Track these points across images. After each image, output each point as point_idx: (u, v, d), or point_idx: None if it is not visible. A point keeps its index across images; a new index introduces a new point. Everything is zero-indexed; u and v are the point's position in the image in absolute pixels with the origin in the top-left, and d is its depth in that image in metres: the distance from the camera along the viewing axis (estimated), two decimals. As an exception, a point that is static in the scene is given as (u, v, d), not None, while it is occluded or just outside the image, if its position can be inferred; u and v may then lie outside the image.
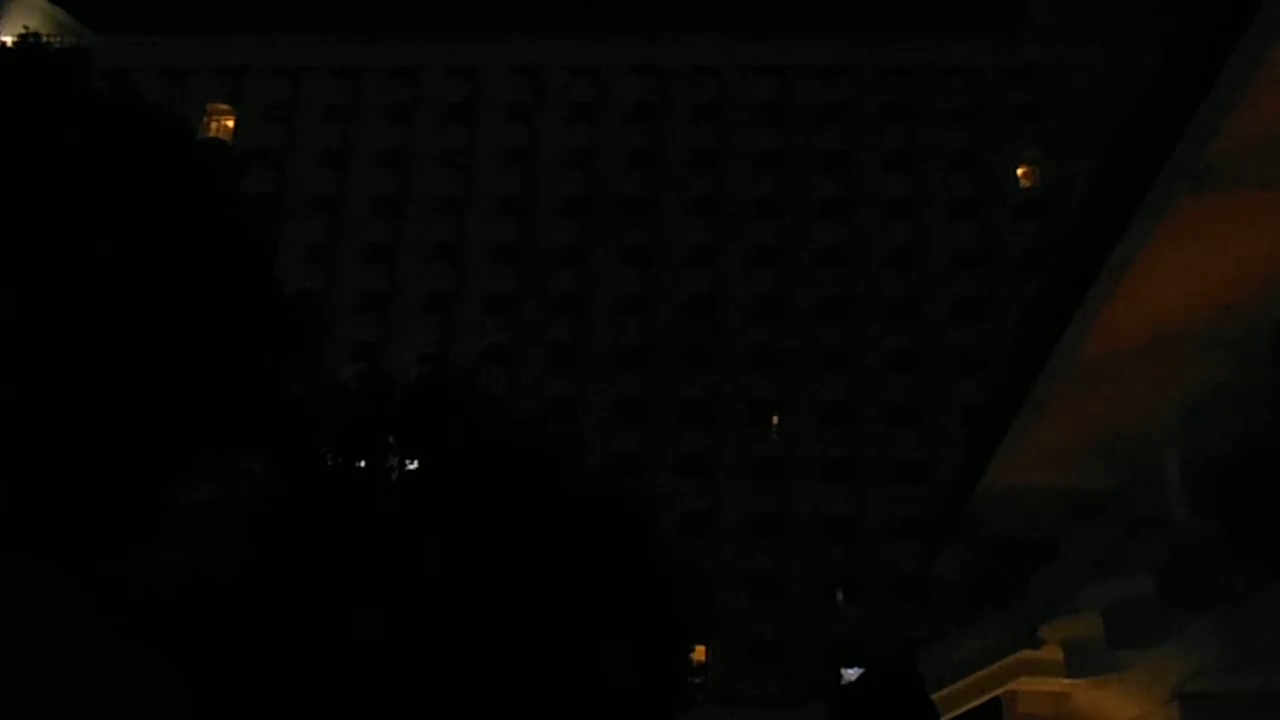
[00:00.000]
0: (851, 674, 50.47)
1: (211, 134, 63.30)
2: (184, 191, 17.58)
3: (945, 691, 21.63)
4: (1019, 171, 66.09)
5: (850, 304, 62.35)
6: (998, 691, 18.72)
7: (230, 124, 66.67)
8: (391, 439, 24.08)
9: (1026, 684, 17.83)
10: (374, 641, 20.34)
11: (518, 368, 59.67)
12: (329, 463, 23.66)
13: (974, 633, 20.61)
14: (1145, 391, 8.90)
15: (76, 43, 29.08)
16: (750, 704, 51.05)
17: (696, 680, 31.40)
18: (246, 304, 18.30)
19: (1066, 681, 17.40)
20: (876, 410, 59.62)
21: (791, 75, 67.75)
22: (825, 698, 39.98)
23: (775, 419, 60.20)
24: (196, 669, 18.65)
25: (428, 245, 63.98)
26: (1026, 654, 17.69)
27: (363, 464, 23.89)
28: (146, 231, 16.73)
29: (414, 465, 24.18)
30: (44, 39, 18.41)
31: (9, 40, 18.58)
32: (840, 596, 56.35)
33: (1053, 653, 17.03)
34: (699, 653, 40.41)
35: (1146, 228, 6.94)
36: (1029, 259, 60.36)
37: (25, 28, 21.20)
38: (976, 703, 20.23)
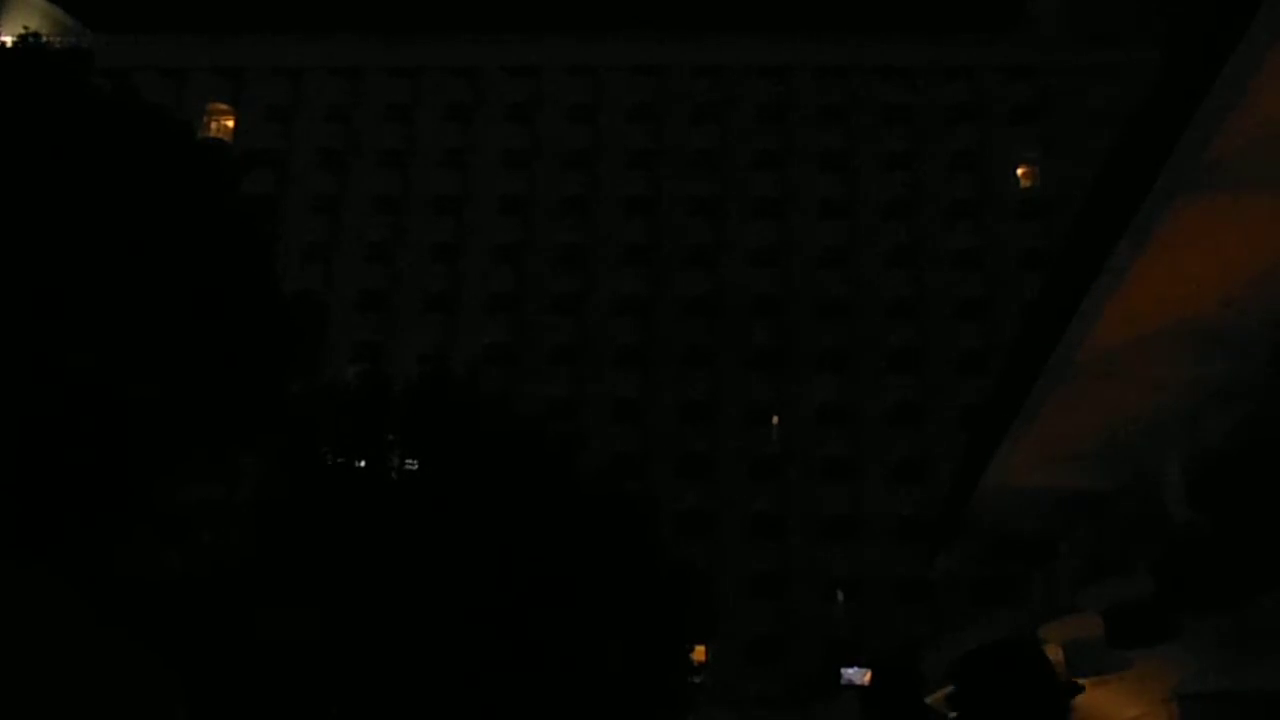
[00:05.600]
0: (853, 673, 50.47)
1: (211, 134, 63.27)
2: (184, 192, 17.58)
3: (945, 691, 21.60)
4: (1019, 171, 66.11)
5: (850, 304, 62.35)
6: (997, 691, 18.72)
7: (230, 124, 66.65)
8: (391, 439, 24.09)
9: (1026, 684, 17.82)
10: (373, 640, 20.34)
11: (518, 368, 59.67)
12: (329, 463, 23.68)
13: (974, 633, 20.61)
14: (1145, 391, 8.90)
15: (76, 43, 29.03)
16: (750, 704, 51.05)
17: (696, 680, 31.40)
18: (246, 303, 18.29)
19: (1066, 681, 17.37)
20: (876, 410, 59.63)
21: (791, 75, 67.76)
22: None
23: (775, 419, 60.21)
24: (195, 668, 18.64)
25: (428, 245, 63.98)
26: (1026, 654, 17.68)
27: (363, 464, 23.90)
28: (146, 231, 16.72)
29: (414, 465, 24.18)
30: (44, 39, 18.39)
31: (9, 40, 18.57)
32: (840, 596, 56.35)
33: (1053, 653, 17.01)
34: (699, 652, 40.41)
35: (1146, 228, 6.94)
36: (1029, 259, 60.36)
37: (25, 28, 21.15)
38: (976, 703, 20.18)
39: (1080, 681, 15.25)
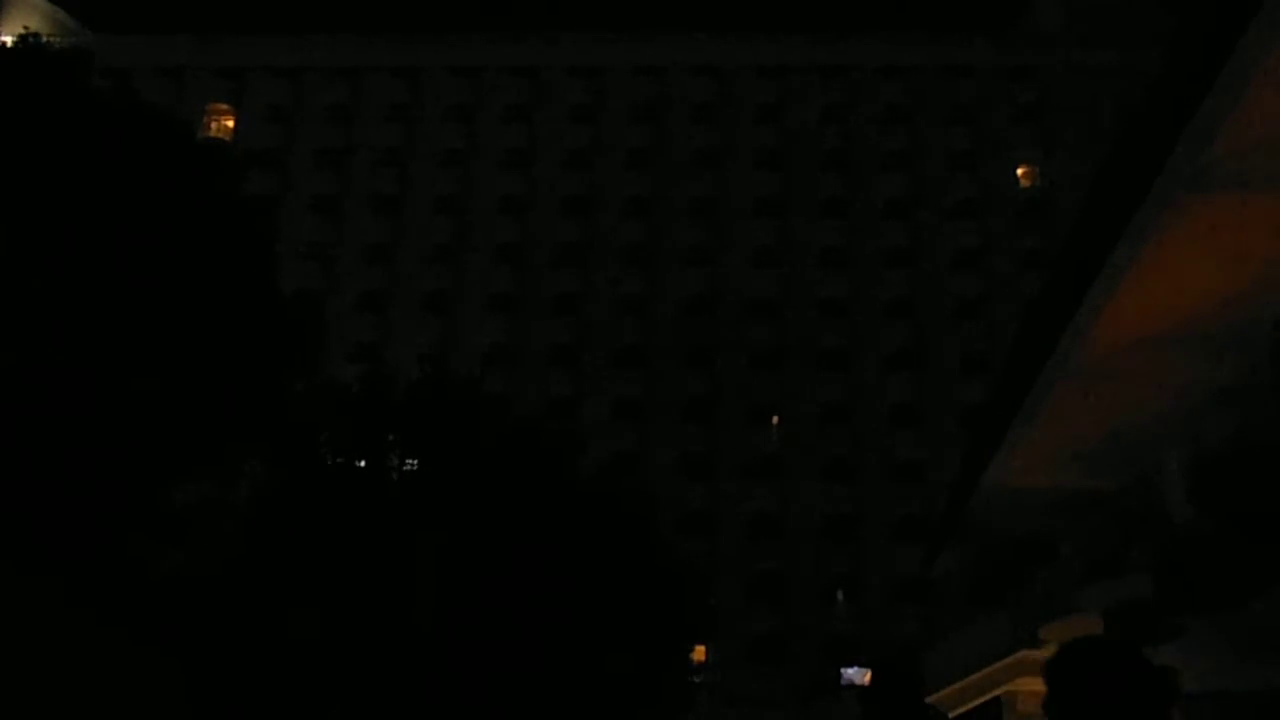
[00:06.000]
0: (853, 673, 50.51)
1: (211, 134, 63.29)
2: (184, 192, 17.58)
3: (945, 691, 21.61)
4: (1019, 171, 66.13)
5: (850, 304, 62.38)
6: (998, 691, 18.72)
7: (230, 124, 66.67)
8: (391, 439, 24.10)
9: (1026, 684, 17.80)
10: (374, 640, 20.34)
11: (518, 368, 59.68)
12: (329, 463, 23.68)
13: (974, 633, 20.59)
14: (1145, 391, 8.89)
15: (76, 43, 29.04)
16: (750, 704, 51.05)
17: (696, 680, 31.42)
18: (246, 303, 18.30)
19: (1066, 681, 17.30)
20: (876, 410, 59.65)
21: (791, 75, 67.78)
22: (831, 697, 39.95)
23: (775, 419, 60.22)
24: (195, 669, 18.65)
25: (428, 245, 64.00)
26: (1026, 654, 17.67)
27: (363, 464, 23.90)
28: (146, 232, 16.73)
29: (414, 465, 24.19)
30: (44, 39, 18.40)
31: (9, 40, 18.57)
32: (840, 596, 56.36)
33: (1052, 653, 16.96)
34: (699, 652, 40.42)
35: (1146, 228, 6.93)
36: (1029, 259, 60.38)
37: (25, 28, 21.18)
38: (976, 703, 20.23)
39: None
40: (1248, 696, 10.80)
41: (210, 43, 68.14)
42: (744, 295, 62.63)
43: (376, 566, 20.91)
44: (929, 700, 23.03)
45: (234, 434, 19.08)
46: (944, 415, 57.93)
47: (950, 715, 21.93)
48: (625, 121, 67.08)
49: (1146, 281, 7.30)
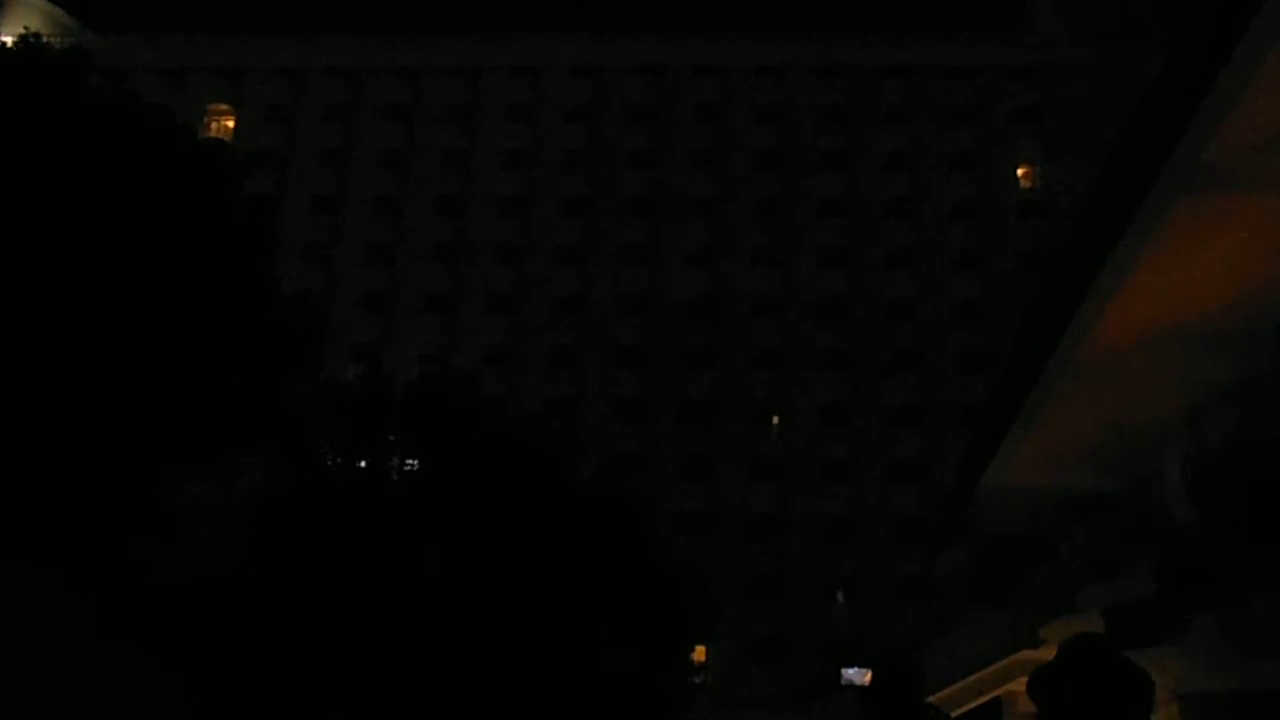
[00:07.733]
0: (853, 673, 50.52)
1: (211, 134, 63.23)
2: (185, 192, 17.59)
3: (945, 692, 21.63)
4: (1019, 171, 66.11)
5: (850, 304, 62.37)
6: (998, 691, 18.74)
7: (230, 124, 66.66)
8: (392, 439, 24.11)
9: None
10: (373, 641, 20.34)
11: (518, 368, 59.69)
12: (329, 463, 23.69)
13: (974, 633, 20.61)
14: (1145, 391, 8.88)
15: (76, 43, 29.03)
16: (750, 704, 51.04)
17: (696, 680, 31.42)
18: (247, 304, 18.30)
19: (1067, 681, 17.30)
20: (876, 410, 59.64)
21: (791, 75, 67.76)
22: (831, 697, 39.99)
23: (775, 419, 60.23)
24: (194, 670, 18.64)
25: (428, 245, 63.99)
26: (1026, 654, 17.69)
27: (363, 464, 23.92)
28: (147, 232, 16.73)
29: (414, 465, 24.20)
30: (44, 39, 18.41)
31: (9, 40, 18.57)
32: (840, 596, 56.36)
33: (1052, 653, 16.98)
34: (699, 653, 40.41)
35: (1146, 227, 6.93)
36: (1029, 259, 60.37)
37: (25, 28, 21.18)
38: (976, 703, 20.24)
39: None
40: (1248, 696, 10.79)
41: (210, 43, 68.12)
42: (744, 295, 62.63)
43: (377, 567, 20.91)
44: (929, 700, 23.01)
45: (234, 434, 19.08)
46: (944, 415, 57.92)
47: (950, 715, 21.91)
48: (625, 121, 67.07)
49: (1147, 281, 7.29)
